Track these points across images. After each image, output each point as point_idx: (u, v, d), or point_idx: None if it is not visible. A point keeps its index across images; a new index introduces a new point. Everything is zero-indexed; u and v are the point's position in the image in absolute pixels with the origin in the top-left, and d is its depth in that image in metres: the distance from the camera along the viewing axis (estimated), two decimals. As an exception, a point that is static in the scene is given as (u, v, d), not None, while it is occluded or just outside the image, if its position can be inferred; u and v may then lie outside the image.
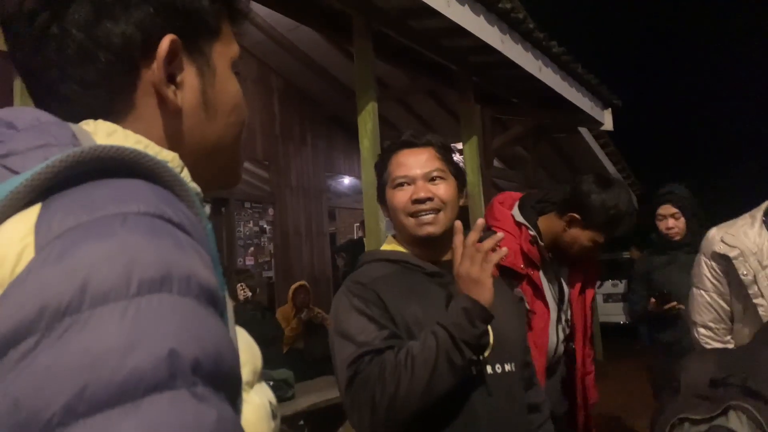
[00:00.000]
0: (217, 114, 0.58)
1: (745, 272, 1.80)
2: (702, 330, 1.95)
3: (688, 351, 2.60)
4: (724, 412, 1.14)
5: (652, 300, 2.83)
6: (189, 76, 0.55)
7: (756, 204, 1.92)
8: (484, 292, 1.19)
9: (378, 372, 1.17)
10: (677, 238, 2.85)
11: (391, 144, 1.43)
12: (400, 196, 1.36)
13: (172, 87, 0.54)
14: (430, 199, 1.33)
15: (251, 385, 0.52)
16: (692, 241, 2.78)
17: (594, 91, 5.58)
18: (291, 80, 7.06)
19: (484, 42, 3.80)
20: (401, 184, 1.37)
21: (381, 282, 1.30)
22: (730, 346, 1.87)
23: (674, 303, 2.75)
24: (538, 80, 4.60)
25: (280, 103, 7.01)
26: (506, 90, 5.48)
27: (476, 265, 1.20)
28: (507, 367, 1.30)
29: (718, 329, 1.91)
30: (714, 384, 1.24)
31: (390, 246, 1.43)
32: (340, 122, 7.48)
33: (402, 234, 1.40)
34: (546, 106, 5.52)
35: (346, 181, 8.23)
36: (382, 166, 1.43)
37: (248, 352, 0.53)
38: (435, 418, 1.20)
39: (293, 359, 4.39)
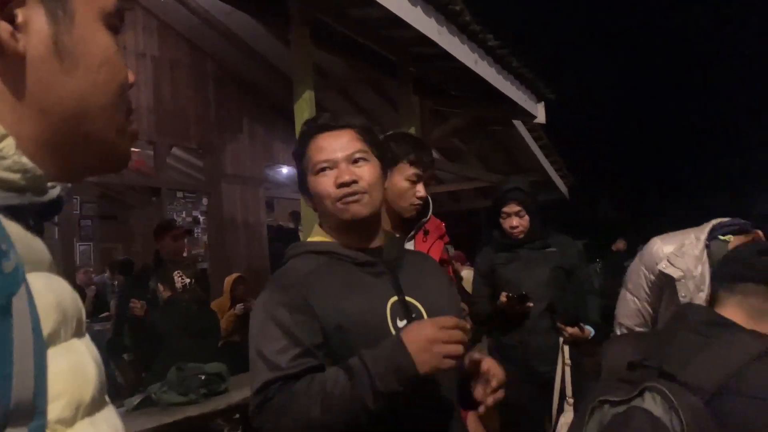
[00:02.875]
0: (77, 67, 0.50)
1: (683, 294, 1.88)
2: (624, 331, 2.08)
3: (529, 354, 2.70)
4: (641, 394, 1.19)
5: (503, 299, 2.74)
6: (35, 17, 0.47)
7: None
8: (428, 364, 1.12)
9: (287, 405, 1.15)
10: (521, 236, 2.82)
11: (309, 128, 1.35)
12: (324, 182, 1.29)
13: (9, 27, 0.46)
14: (355, 181, 1.27)
15: (70, 423, 0.43)
16: (535, 239, 2.80)
17: (528, 85, 5.72)
18: (228, 66, 6.88)
19: (421, 33, 3.81)
20: (323, 169, 1.30)
21: (308, 279, 1.26)
22: None
23: (531, 304, 2.71)
24: (475, 73, 4.66)
25: (215, 90, 6.81)
26: (444, 82, 5.54)
27: (446, 344, 1.13)
28: None
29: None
30: (632, 367, 1.30)
31: (317, 236, 1.39)
32: (280, 110, 7.36)
33: (329, 221, 1.35)
34: (482, 98, 5.61)
35: (285, 170, 8.11)
36: (300, 152, 1.35)
37: (70, 381, 0.43)
38: (379, 416, 1.17)
39: (229, 352, 4.31)
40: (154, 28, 6.23)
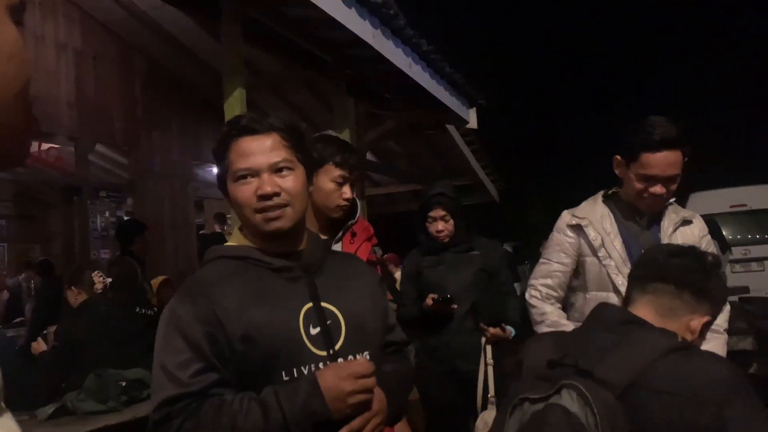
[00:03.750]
0: None
1: (594, 236, 2.12)
2: (533, 291, 2.26)
3: (453, 354, 2.78)
4: (558, 391, 1.23)
5: (430, 301, 2.77)
6: None
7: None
8: (342, 412, 1.14)
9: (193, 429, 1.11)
10: (446, 240, 2.87)
11: (230, 130, 1.27)
12: (244, 191, 1.22)
13: None
14: (277, 194, 1.21)
15: None
16: (459, 242, 2.89)
17: (460, 90, 5.83)
18: (156, 62, 6.64)
19: (356, 35, 3.82)
20: (244, 177, 1.22)
21: (219, 286, 1.21)
22: (548, 309, 2.21)
23: (455, 306, 2.78)
24: (409, 77, 4.71)
25: (143, 86, 6.56)
26: (379, 85, 5.57)
27: (358, 396, 1.15)
28: (360, 357, 1.26)
29: (546, 294, 2.23)
30: (551, 365, 1.34)
31: (236, 240, 1.33)
32: (210, 107, 7.16)
33: (249, 228, 1.29)
34: (416, 102, 5.68)
35: (216, 169, 7.91)
36: (220, 154, 1.27)
37: None
38: None
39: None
40: (76, 18, 5.93)
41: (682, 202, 2.23)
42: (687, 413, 1.18)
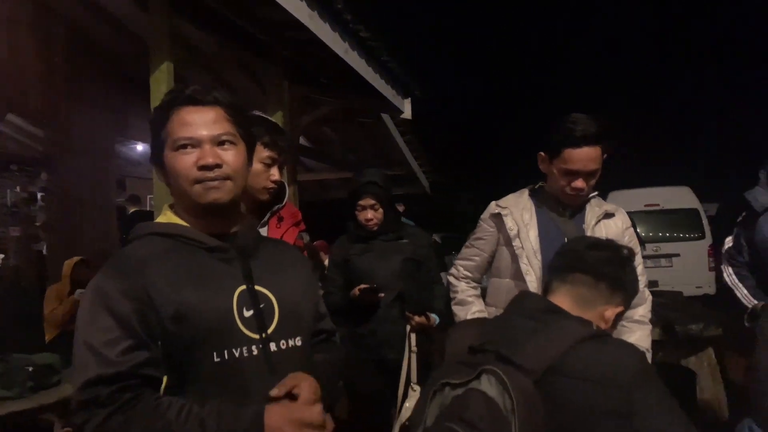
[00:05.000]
0: None
1: (510, 226, 2.21)
2: (453, 269, 2.42)
3: (379, 342, 2.83)
4: (478, 376, 1.26)
5: (357, 291, 2.78)
6: None
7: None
8: None
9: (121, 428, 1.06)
10: (375, 228, 2.88)
11: (174, 97, 1.24)
12: (184, 160, 1.20)
13: None
14: (218, 165, 1.19)
15: None
16: (388, 231, 2.92)
17: (396, 80, 5.84)
18: (79, 30, 6.24)
19: (292, 15, 3.73)
20: (184, 146, 1.20)
21: (150, 263, 1.16)
22: (462, 286, 2.36)
23: (382, 294, 2.79)
24: (345, 62, 4.67)
25: (63, 54, 6.15)
26: (315, 69, 5.49)
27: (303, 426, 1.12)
28: (292, 342, 1.25)
29: (463, 274, 2.38)
30: (472, 351, 1.37)
31: (166, 218, 1.28)
32: (137, 83, 6.82)
33: (183, 202, 1.25)
34: (352, 89, 5.64)
35: (141, 147, 7.57)
36: (160, 122, 1.23)
37: None
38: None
39: (68, 342, 3.93)
40: (-13, -24, 5.48)
41: (602, 198, 2.33)
42: (599, 397, 1.24)
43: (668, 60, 23.89)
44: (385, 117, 7.41)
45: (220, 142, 1.22)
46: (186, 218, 1.26)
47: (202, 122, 1.21)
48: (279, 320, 1.24)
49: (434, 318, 2.89)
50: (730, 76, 22.84)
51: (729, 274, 2.67)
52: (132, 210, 7.03)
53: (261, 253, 1.30)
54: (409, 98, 6.42)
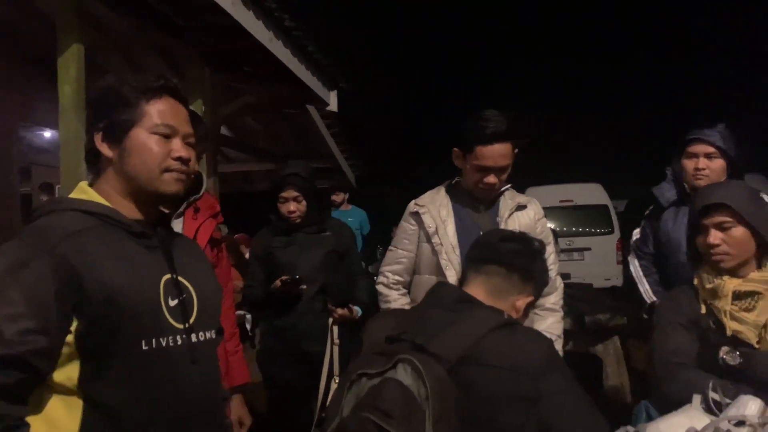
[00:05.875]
0: None
1: (429, 223, 2.25)
2: (381, 278, 2.41)
3: (300, 335, 2.83)
4: (394, 366, 1.28)
5: (278, 283, 2.76)
6: None
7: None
8: None
9: None
10: (298, 221, 2.85)
11: (156, 81, 1.25)
12: (160, 145, 1.21)
13: None
14: (188, 161, 1.24)
15: None
16: (311, 223, 2.90)
17: (322, 71, 5.79)
18: (-25, 3, 5.76)
19: (212, 0, 3.61)
20: (163, 134, 1.22)
21: (78, 240, 1.11)
22: (393, 296, 2.35)
23: (304, 287, 2.78)
24: (269, 51, 4.58)
25: (-43, 30, 5.67)
26: (238, 57, 5.34)
27: None
28: (208, 335, 1.28)
29: (393, 279, 2.37)
30: (389, 341, 1.39)
31: (87, 195, 1.22)
32: (44, 64, 6.39)
33: (128, 183, 1.22)
34: (276, 79, 5.54)
35: (48, 134, 7.09)
36: (133, 100, 1.21)
37: None
38: (138, 401, 1.13)
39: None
40: None
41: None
42: (508, 384, 1.29)
43: (581, 60, 25.05)
44: (311, 109, 7.33)
45: (187, 142, 1.27)
46: (116, 200, 1.22)
47: (181, 117, 1.26)
48: (198, 311, 1.25)
49: (357, 310, 2.91)
50: (641, 78, 24.28)
51: (635, 267, 2.83)
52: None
53: (177, 244, 1.30)
54: (335, 90, 6.39)
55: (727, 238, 1.82)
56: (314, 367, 2.81)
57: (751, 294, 1.81)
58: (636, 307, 2.94)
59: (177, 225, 1.96)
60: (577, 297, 4.59)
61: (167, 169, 1.21)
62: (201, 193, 2.07)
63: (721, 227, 1.83)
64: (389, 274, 2.38)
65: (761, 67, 19.71)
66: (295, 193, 2.82)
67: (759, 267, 1.86)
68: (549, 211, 9.40)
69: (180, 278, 1.24)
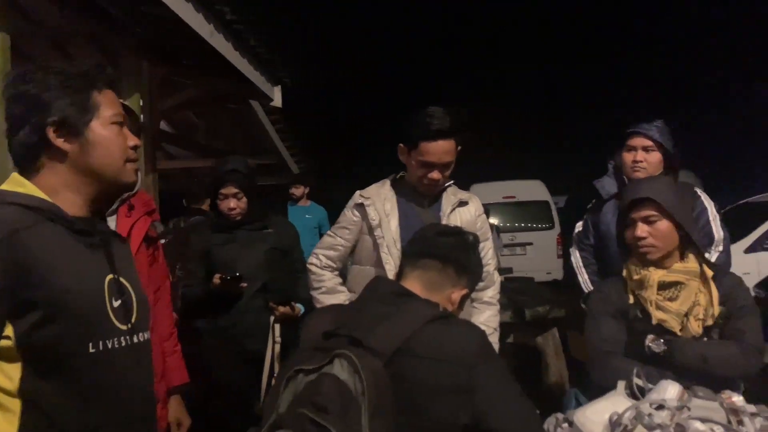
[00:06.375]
0: None
1: (373, 216, 2.26)
2: (314, 259, 2.42)
3: (241, 334, 2.79)
4: (331, 361, 1.28)
5: (218, 280, 2.71)
6: None
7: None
8: None
9: None
10: (238, 217, 2.80)
11: (101, 73, 1.25)
12: (121, 136, 1.23)
13: None
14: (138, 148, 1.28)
15: None
16: (253, 220, 2.86)
17: (265, 66, 5.71)
18: None
19: (149, -10, 3.51)
20: (120, 125, 1.23)
21: (22, 235, 1.06)
22: (326, 276, 2.37)
23: (245, 285, 2.74)
24: (210, 45, 4.48)
25: None
26: (178, 50, 5.20)
27: None
28: (146, 336, 1.27)
29: (325, 263, 2.38)
30: (327, 336, 1.38)
31: (24, 189, 1.16)
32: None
33: (87, 177, 1.19)
34: (218, 73, 5.42)
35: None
36: (86, 91, 1.20)
37: None
38: (82, 404, 1.10)
39: None
40: None
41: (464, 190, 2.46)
42: (443, 375, 1.31)
43: (523, 60, 25.65)
44: (255, 104, 7.22)
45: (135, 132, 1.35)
46: (63, 195, 1.18)
47: (120, 106, 1.26)
48: (137, 312, 1.24)
49: (299, 308, 2.88)
50: (581, 79, 25.03)
51: (576, 258, 2.91)
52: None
53: (113, 243, 1.27)
54: (279, 86, 6.31)
55: (653, 231, 1.92)
56: (256, 366, 2.78)
57: (675, 284, 1.91)
58: (575, 298, 3.03)
59: (110, 223, 1.90)
60: (518, 291, 4.70)
61: (129, 160, 1.23)
62: (135, 190, 2.00)
63: (647, 221, 1.92)
64: (322, 257, 2.39)
65: (697, 66, 20.64)
66: (235, 190, 2.78)
67: (682, 259, 1.96)
68: (492, 207, 9.68)
69: (120, 278, 1.22)
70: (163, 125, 7.17)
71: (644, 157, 2.56)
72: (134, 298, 1.24)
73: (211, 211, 2.87)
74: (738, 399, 1.41)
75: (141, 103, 4.67)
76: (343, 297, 2.33)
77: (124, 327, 1.18)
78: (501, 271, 7.46)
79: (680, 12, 23.40)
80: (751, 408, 1.41)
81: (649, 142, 2.55)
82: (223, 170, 2.81)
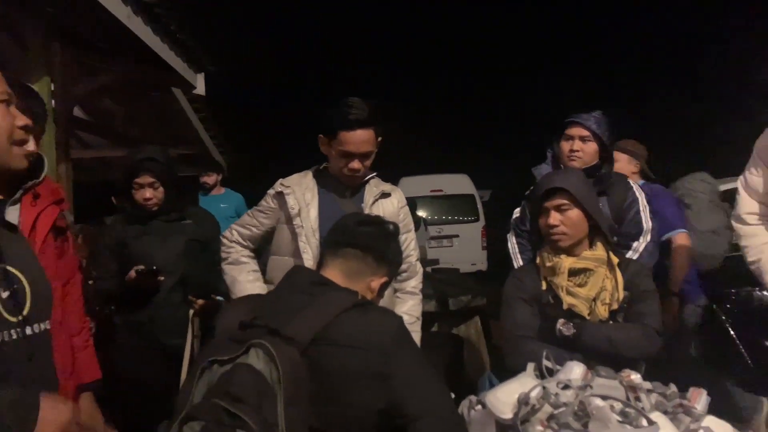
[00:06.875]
0: None
1: (292, 204, 2.25)
2: (227, 233, 2.44)
3: (159, 328, 2.74)
4: (247, 351, 1.26)
5: (133, 274, 2.63)
6: None
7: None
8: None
9: None
10: (154, 208, 2.73)
11: None
12: (6, 115, 1.16)
13: None
14: (31, 129, 1.22)
15: None
16: (170, 210, 2.80)
17: (188, 52, 5.52)
18: None
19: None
20: (6, 101, 1.16)
21: None
22: (235, 248, 2.38)
23: (162, 278, 2.68)
24: (127, 28, 4.28)
25: None
26: (93, 32, 4.93)
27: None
28: (44, 326, 1.23)
29: (236, 238, 2.40)
30: (243, 326, 1.37)
31: None
32: None
33: None
34: (137, 58, 5.19)
35: None
36: None
37: None
38: None
39: None
40: None
41: (393, 185, 2.48)
42: (361, 362, 1.32)
43: (451, 58, 26.18)
44: (177, 92, 6.96)
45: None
46: None
47: (4, 85, 1.20)
48: (32, 302, 1.19)
49: (220, 301, 2.82)
50: (506, 77, 25.73)
51: (512, 244, 2.97)
52: None
53: (3, 232, 1.23)
54: (203, 73, 6.12)
55: (565, 219, 2.02)
56: (174, 362, 2.70)
57: (584, 271, 2.02)
58: (498, 287, 3.13)
59: (13, 212, 1.79)
60: (444, 281, 4.81)
61: (17, 142, 1.16)
62: (41, 178, 1.89)
63: (559, 209, 2.02)
64: (235, 232, 2.41)
65: (619, 62, 21.59)
66: (151, 179, 2.68)
67: (591, 247, 2.07)
68: (420, 200, 9.78)
69: (9, 268, 1.17)
70: (78, 112, 6.80)
71: (581, 146, 2.63)
72: (28, 289, 1.19)
73: (125, 201, 2.75)
74: (636, 377, 1.51)
75: (52, 87, 4.41)
76: (249, 268, 2.35)
77: (13, 319, 1.14)
78: (428, 262, 7.59)
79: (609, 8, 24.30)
80: (648, 385, 1.51)
81: (586, 132, 2.62)
82: (138, 159, 2.71)
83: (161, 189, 2.71)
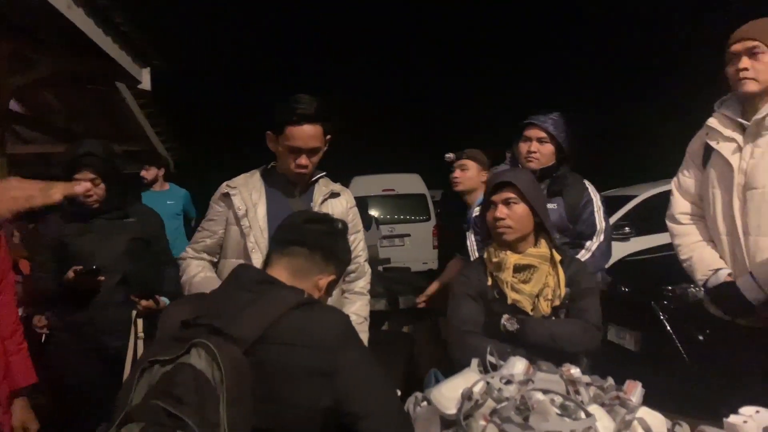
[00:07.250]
0: None
1: (239, 205, 2.22)
2: (184, 253, 2.37)
3: (99, 330, 2.67)
4: (188, 350, 1.23)
5: (72, 274, 2.54)
6: None
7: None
8: None
9: None
10: (95, 205, 2.66)
11: None
12: None
13: None
14: None
15: None
16: (112, 208, 2.72)
17: (132, 45, 5.35)
18: None
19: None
20: None
21: None
22: (194, 263, 2.31)
23: (102, 278, 2.60)
24: (67, 19, 4.11)
25: None
26: (30, 22, 4.72)
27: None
28: None
29: (193, 255, 2.33)
30: (185, 325, 1.34)
31: None
32: None
33: None
34: (78, 51, 5.00)
35: None
36: None
37: None
38: None
39: None
40: None
41: (345, 184, 2.47)
42: (305, 360, 1.31)
43: (405, 56, 26.26)
44: (121, 86, 6.73)
45: None
46: None
47: None
48: None
49: (164, 301, 2.75)
50: (457, 76, 26.01)
51: (471, 242, 3.01)
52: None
53: None
54: (149, 68, 5.94)
55: (511, 213, 2.06)
56: (116, 363, 2.61)
57: (528, 267, 2.07)
58: (449, 286, 3.14)
59: None
60: (395, 280, 4.83)
61: None
62: None
63: (506, 203, 2.07)
64: (190, 250, 2.36)
65: (569, 61, 22.05)
66: (92, 175, 2.59)
67: (535, 244, 2.12)
68: (372, 200, 9.77)
69: None
70: (15, 106, 6.50)
71: (538, 147, 2.68)
72: None
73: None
74: (576, 371, 1.55)
75: (-16, 80, 4.20)
76: (199, 268, 2.30)
77: None
78: (379, 261, 7.60)
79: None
80: (586, 378, 1.56)
81: (542, 134, 2.68)
82: (78, 153, 2.61)
83: (102, 185, 2.62)
